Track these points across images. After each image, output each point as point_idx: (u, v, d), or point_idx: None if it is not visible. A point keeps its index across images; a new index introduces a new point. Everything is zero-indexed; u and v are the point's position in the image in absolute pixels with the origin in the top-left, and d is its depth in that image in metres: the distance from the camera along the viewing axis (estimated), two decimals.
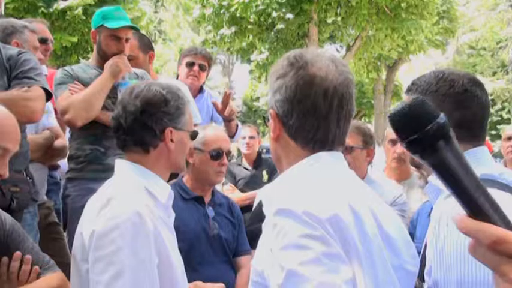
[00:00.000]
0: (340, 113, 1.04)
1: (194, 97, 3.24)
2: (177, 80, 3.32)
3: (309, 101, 1.02)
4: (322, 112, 1.03)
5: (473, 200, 0.57)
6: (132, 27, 2.50)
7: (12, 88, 1.96)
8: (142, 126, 1.43)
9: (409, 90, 1.32)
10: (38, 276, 1.42)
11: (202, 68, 3.20)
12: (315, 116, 1.03)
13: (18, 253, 1.40)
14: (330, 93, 1.02)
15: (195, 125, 2.61)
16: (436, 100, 1.21)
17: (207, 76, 3.35)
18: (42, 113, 2.06)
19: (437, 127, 0.57)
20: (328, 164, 1.04)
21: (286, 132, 1.07)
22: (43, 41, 2.90)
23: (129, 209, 1.28)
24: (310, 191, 0.96)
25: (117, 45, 2.43)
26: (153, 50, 3.04)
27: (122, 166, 1.47)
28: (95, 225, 1.28)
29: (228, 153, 2.25)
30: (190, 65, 3.17)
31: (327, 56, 1.07)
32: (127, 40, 2.48)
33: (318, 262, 0.84)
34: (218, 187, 2.99)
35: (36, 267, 1.41)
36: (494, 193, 1.08)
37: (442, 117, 0.58)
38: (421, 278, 1.15)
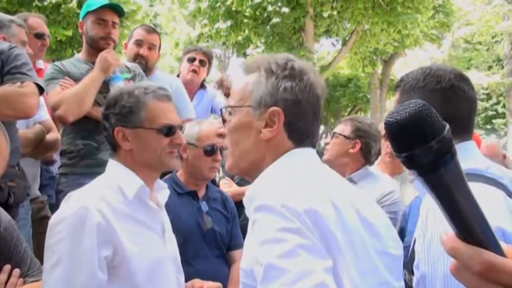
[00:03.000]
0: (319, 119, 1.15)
1: (194, 92, 3.36)
2: (176, 76, 3.40)
3: (316, 106, 1.11)
4: (318, 118, 1.13)
5: (468, 225, 0.52)
6: (115, 8, 2.54)
7: (5, 83, 1.95)
8: (103, 127, 1.54)
9: (397, 86, 1.35)
10: (25, 282, 1.44)
11: (202, 63, 3.34)
12: (316, 121, 1.12)
13: (7, 266, 1.42)
14: (321, 101, 1.13)
15: (188, 120, 2.63)
16: (423, 96, 1.24)
17: (207, 73, 3.47)
18: (38, 108, 2.07)
19: (441, 143, 0.50)
20: (307, 160, 1.08)
21: (288, 134, 1.08)
22: (40, 36, 2.89)
23: (78, 203, 1.35)
24: (289, 185, 0.98)
25: (104, 28, 2.47)
26: None
27: (108, 163, 1.56)
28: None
29: (222, 149, 2.25)
30: (191, 60, 3.33)
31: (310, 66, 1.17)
32: (114, 25, 2.51)
33: (295, 254, 0.85)
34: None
35: (21, 279, 1.43)
36: (480, 187, 1.10)
37: (447, 131, 0.51)
38: (410, 271, 1.17)
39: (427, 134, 0.50)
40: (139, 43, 2.90)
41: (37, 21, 2.92)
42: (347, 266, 0.92)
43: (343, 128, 2.42)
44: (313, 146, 1.13)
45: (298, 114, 1.06)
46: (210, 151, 2.19)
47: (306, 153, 1.09)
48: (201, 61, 3.32)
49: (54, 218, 1.35)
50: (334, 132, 2.43)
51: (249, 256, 0.95)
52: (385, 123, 0.53)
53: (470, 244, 0.52)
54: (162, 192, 1.62)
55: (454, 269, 0.53)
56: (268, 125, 1.07)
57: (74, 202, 1.37)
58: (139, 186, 1.46)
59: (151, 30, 3.02)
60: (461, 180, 0.53)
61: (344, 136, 2.39)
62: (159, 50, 3.06)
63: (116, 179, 1.47)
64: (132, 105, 1.49)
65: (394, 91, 1.37)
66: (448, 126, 0.52)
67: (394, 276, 1.05)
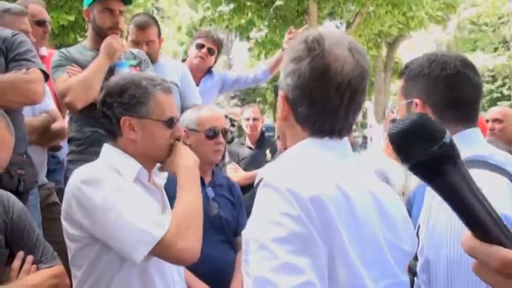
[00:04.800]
0: (350, 106, 1.04)
1: (200, 78, 3.37)
2: (182, 61, 3.39)
3: (321, 92, 1.02)
4: (333, 105, 1.02)
5: (481, 223, 0.54)
6: None
7: (10, 70, 1.96)
8: (103, 115, 1.54)
9: (402, 74, 1.34)
10: (38, 268, 1.47)
11: (210, 51, 3.33)
12: (324, 108, 1.03)
13: (21, 253, 1.45)
14: (342, 88, 1.01)
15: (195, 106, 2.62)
16: (429, 82, 1.24)
17: (215, 60, 3.45)
18: (44, 94, 2.08)
19: (443, 149, 0.53)
20: (326, 148, 1.05)
21: (294, 117, 1.07)
22: (41, 23, 2.88)
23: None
24: (298, 170, 0.98)
25: (111, 18, 2.46)
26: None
27: (103, 148, 1.59)
28: None
29: (224, 131, 2.24)
30: (200, 46, 3.31)
31: (345, 43, 1.04)
32: (121, 13, 2.50)
33: (288, 241, 0.87)
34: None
35: (35, 266, 1.46)
36: (484, 174, 1.11)
37: (448, 137, 0.54)
38: (414, 257, 1.18)
39: (428, 141, 0.53)
40: (136, 43, 2.84)
41: (37, 8, 2.90)
42: (348, 255, 0.93)
43: None
44: (339, 135, 1.06)
45: (298, 99, 1.04)
46: (212, 135, 2.19)
47: (329, 142, 1.05)
48: (209, 49, 3.30)
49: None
50: None
51: (250, 227, 0.98)
52: (388, 136, 0.57)
53: (486, 242, 0.53)
54: (160, 174, 1.67)
55: (475, 268, 0.55)
56: (280, 106, 1.10)
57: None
58: (138, 170, 1.51)
59: (145, 25, 2.88)
60: (469, 182, 0.54)
61: None
62: (159, 36, 3.00)
63: (114, 163, 1.51)
64: (141, 96, 1.51)
65: (400, 78, 1.37)
66: (447, 132, 0.55)
67: (402, 270, 1.06)
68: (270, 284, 0.84)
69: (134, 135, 1.52)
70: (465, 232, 0.56)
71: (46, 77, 2.10)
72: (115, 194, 1.39)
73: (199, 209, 1.47)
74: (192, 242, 1.39)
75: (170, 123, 1.56)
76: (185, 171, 1.52)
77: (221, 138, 2.22)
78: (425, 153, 0.53)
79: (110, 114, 1.52)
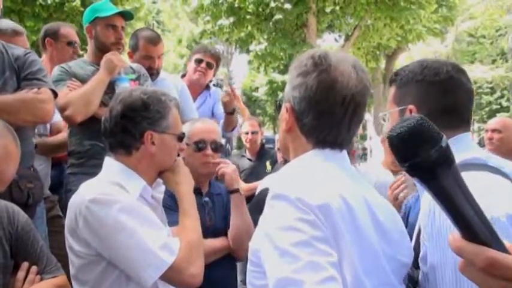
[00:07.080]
0: (352, 119, 1.09)
1: (199, 93, 3.38)
2: (181, 77, 3.41)
3: (327, 104, 1.07)
4: (337, 117, 1.08)
5: (470, 225, 0.56)
6: (125, 14, 2.58)
7: (22, 89, 2.00)
8: (122, 129, 1.52)
9: (392, 81, 1.33)
10: (42, 278, 1.49)
11: (209, 65, 3.34)
12: (329, 119, 1.08)
13: (25, 263, 1.47)
14: (347, 101, 1.06)
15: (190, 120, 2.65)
16: (422, 88, 1.23)
17: (214, 74, 3.47)
18: (53, 113, 2.12)
19: (439, 152, 0.55)
20: (328, 159, 1.09)
21: (299, 128, 1.12)
22: (71, 43, 3.04)
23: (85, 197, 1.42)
24: (305, 180, 1.02)
25: (114, 34, 2.51)
26: None
27: (106, 162, 1.58)
28: None
29: (212, 143, 2.18)
30: (198, 61, 3.33)
31: (350, 60, 1.11)
32: (123, 28, 2.56)
33: (308, 244, 0.90)
34: None
35: (39, 276, 1.48)
36: (488, 176, 1.10)
37: (444, 141, 0.56)
38: (415, 265, 1.18)
39: (426, 144, 0.55)
40: (149, 58, 2.86)
41: (68, 30, 3.08)
42: (352, 262, 0.96)
43: None
44: (340, 147, 1.11)
45: (304, 110, 1.09)
46: (199, 147, 2.17)
47: (331, 154, 1.10)
48: (208, 63, 3.31)
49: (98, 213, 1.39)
50: None
51: (260, 237, 0.99)
52: (387, 137, 0.59)
53: (474, 243, 0.55)
54: (158, 188, 1.67)
55: (461, 267, 0.57)
56: (285, 118, 1.14)
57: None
58: (143, 187, 1.52)
59: (157, 40, 2.93)
60: (461, 186, 0.57)
61: None
62: None
63: (118, 179, 1.50)
64: (163, 111, 1.54)
65: (389, 86, 1.35)
66: (444, 136, 0.57)
67: (399, 280, 1.09)
68: (294, 283, 0.86)
69: (154, 149, 1.53)
70: (454, 233, 0.58)
71: (56, 96, 2.15)
72: (125, 215, 1.39)
73: (201, 235, 1.55)
74: (199, 268, 1.46)
75: (182, 137, 1.62)
76: (189, 197, 1.60)
77: (209, 151, 2.17)
78: (422, 155, 0.55)
79: (131, 128, 1.51)
